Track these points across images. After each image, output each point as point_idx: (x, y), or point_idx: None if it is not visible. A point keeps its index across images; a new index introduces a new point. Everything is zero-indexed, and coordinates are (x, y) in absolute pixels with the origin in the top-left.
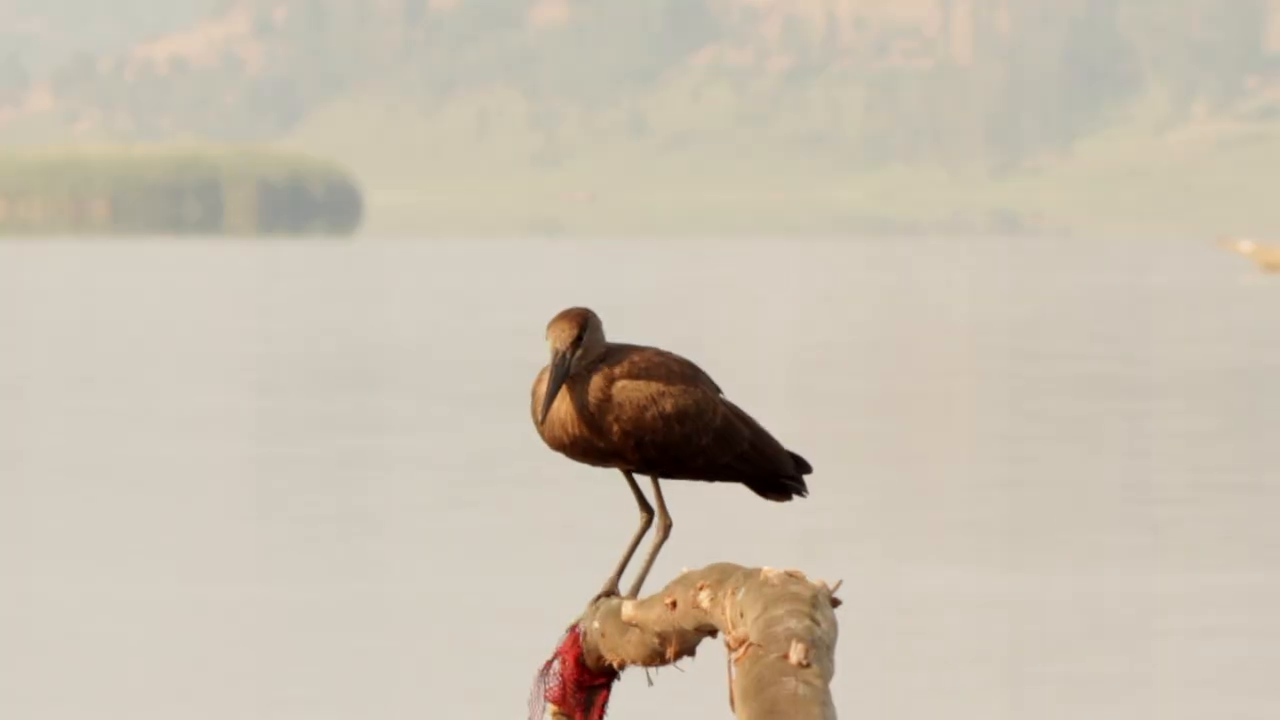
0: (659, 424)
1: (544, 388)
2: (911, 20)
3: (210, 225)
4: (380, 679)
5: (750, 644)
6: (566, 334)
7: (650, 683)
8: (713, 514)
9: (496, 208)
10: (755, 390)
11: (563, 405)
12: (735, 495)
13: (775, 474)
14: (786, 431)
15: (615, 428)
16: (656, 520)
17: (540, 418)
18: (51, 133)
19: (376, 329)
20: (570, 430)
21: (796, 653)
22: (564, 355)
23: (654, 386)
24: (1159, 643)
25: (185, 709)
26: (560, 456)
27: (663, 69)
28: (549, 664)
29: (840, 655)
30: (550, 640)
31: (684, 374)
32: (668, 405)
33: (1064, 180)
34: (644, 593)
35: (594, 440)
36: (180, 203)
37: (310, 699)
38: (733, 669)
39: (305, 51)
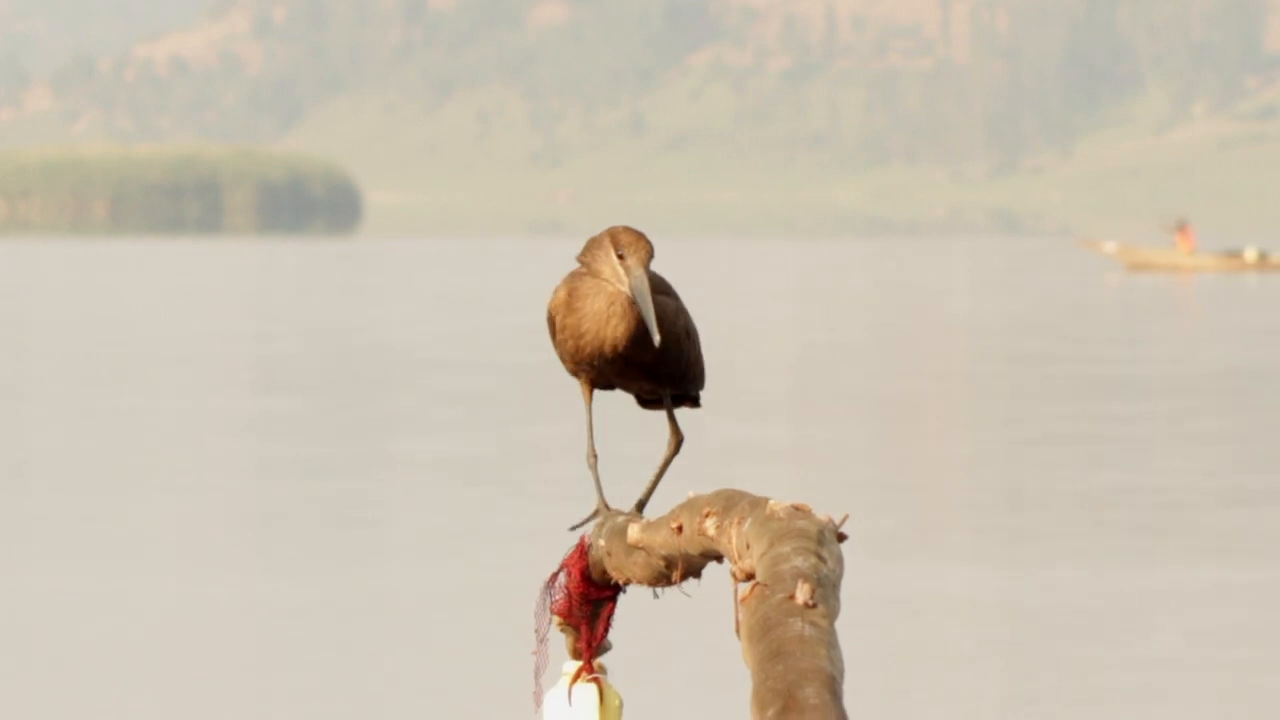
0: (681, 338)
1: (588, 304)
2: (911, 20)
3: (210, 225)
4: (381, 678)
5: (756, 583)
6: (647, 253)
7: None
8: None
9: (496, 208)
10: (754, 390)
11: (623, 322)
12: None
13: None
14: (785, 431)
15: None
16: (669, 436)
17: (657, 340)
18: (51, 133)
19: (376, 329)
20: (625, 343)
21: (803, 593)
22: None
23: (673, 302)
24: (1159, 642)
25: (186, 708)
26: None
27: (662, 69)
28: (554, 576)
29: (846, 650)
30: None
31: (673, 291)
32: (684, 320)
33: (1064, 180)
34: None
35: (639, 354)
36: (180, 203)
37: (311, 698)
38: (739, 605)
39: (305, 51)
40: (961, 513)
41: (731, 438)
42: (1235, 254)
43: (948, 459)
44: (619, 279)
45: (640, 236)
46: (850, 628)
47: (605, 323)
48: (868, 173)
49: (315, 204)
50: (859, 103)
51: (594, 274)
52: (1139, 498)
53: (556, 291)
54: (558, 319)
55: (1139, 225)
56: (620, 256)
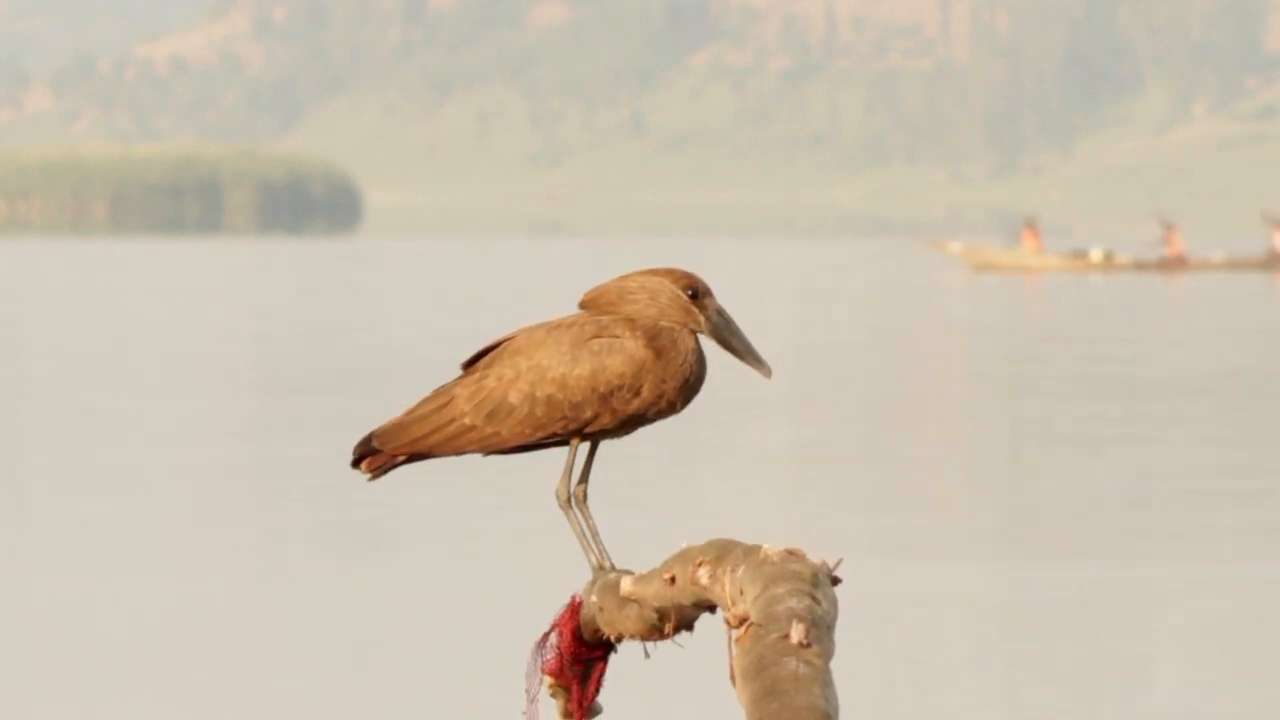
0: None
1: (679, 350)
2: (911, 20)
3: (210, 225)
4: (381, 678)
5: (751, 623)
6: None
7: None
8: (711, 511)
9: (496, 208)
10: (753, 390)
11: (702, 361)
12: (737, 489)
13: None
14: (785, 431)
15: None
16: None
17: (771, 373)
18: (51, 133)
19: (376, 329)
20: (702, 382)
21: (797, 632)
22: None
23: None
24: (1160, 641)
25: (186, 708)
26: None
27: (662, 69)
28: (546, 636)
29: (840, 656)
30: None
31: None
32: None
33: (1064, 180)
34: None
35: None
36: (180, 203)
37: (311, 698)
38: (733, 648)
39: (305, 51)
40: (961, 512)
41: (730, 438)
42: (1081, 254)
43: (947, 459)
44: (692, 320)
45: (700, 277)
46: (850, 627)
47: (697, 363)
48: (868, 173)
49: (315, 204)
50: (859, 103)
51: (630, 318)
52: (1139, 497)
53: (622, 353)
54: (649, 378)
55: (1135, 225)
56: (693, 295)
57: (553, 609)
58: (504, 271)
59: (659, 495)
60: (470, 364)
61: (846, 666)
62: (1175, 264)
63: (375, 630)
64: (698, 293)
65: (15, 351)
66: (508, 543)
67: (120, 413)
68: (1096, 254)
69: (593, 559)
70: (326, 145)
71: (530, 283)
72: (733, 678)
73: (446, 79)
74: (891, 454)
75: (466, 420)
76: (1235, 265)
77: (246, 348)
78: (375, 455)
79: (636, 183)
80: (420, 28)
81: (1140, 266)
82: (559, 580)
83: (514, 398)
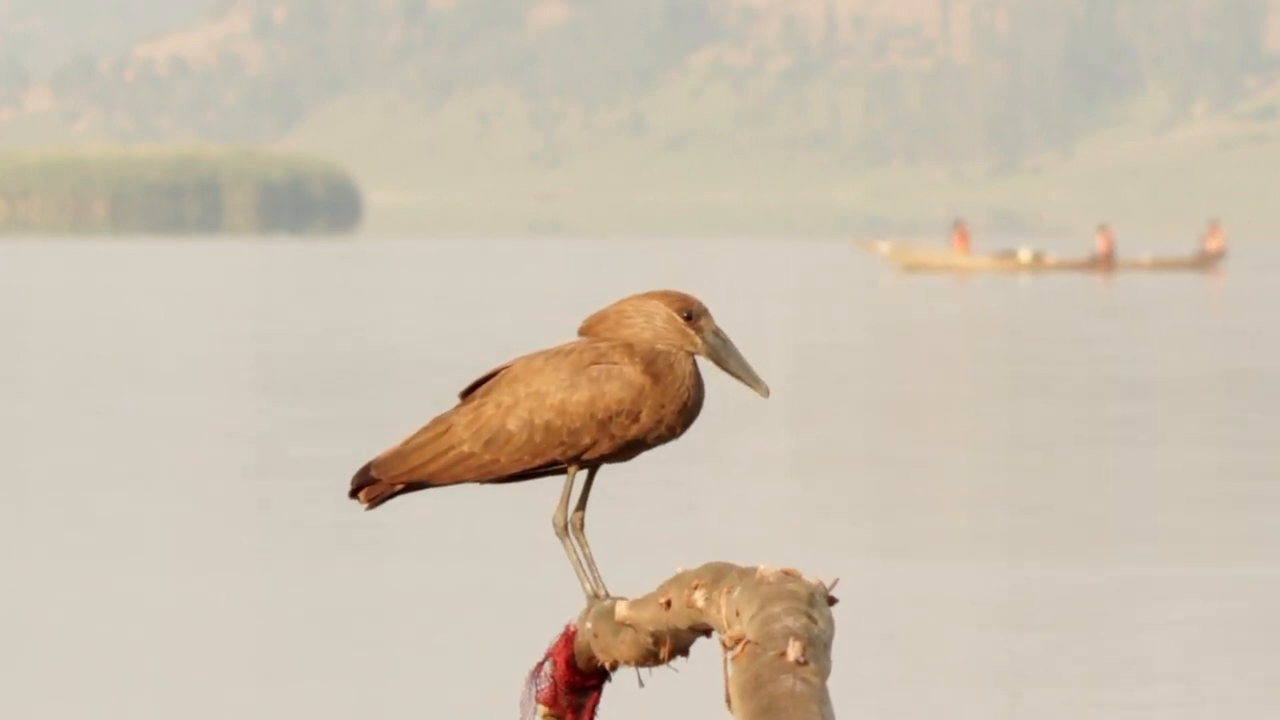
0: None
1: (676, 373)
2: (911, 20)
3: (210, 225)
4: (381, 678)
5: (747, 641)
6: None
7: (641, 684)
8: (708, 515)
9: (496, 208)
10: (752, 392)
11: (700, 382)
12: (738, 489)
13: None
14: (785, 432)
15: None
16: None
17: (769, 392)
18: (51, 133)
19: (376, 329)
20: (700, 404)
21: (794, 650)
22: None
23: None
24: (1160, 641)
25: (187, 708)
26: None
27: (662, 69)
28: (540, 665)
29: (840, 655)
30: (548, 638)
31: None
32: None
33: (1064, 180)
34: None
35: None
36: (180, 203)
37: (311, 698)
38: (729, 668)
39: (305, 51)
40: (962, 512)
41: (730, 439)
42: (1010, 255)
43: (947, 459)
44: (688, 342)
45: (697, 299)
46: (851, 627)
47: (695, 387)
48: (868, 173)
49: (315, 204)
50: (859, 103)
51: (629, 342)
52: (1140, 497)
53: (621, 378)
54: (648, 404)
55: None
56: (688, 317)
57: (553, 609)
58: (504, 271)
59: (658, 495)
60: (468, 393)
61: (846, 666)
62: (1104, 264)
63: (375, 630)
64: (693, 314)
65: (15, 351)
66: (508, 543)
67: (120, 413)
68: (1025, 254)
69: (588, 587)
70: (326, 145)
71: (530, 283)
72: (728, 701)
73: (446, 79)
74: (891, 454)
75: (465, 448)
76: (1164, 265)
77: (246, 348)
78: (373, 485)
79: (636, 183)
80: (420, 28)
81: (1068, 266)
82: (560, 581)
83: (513, 424)
